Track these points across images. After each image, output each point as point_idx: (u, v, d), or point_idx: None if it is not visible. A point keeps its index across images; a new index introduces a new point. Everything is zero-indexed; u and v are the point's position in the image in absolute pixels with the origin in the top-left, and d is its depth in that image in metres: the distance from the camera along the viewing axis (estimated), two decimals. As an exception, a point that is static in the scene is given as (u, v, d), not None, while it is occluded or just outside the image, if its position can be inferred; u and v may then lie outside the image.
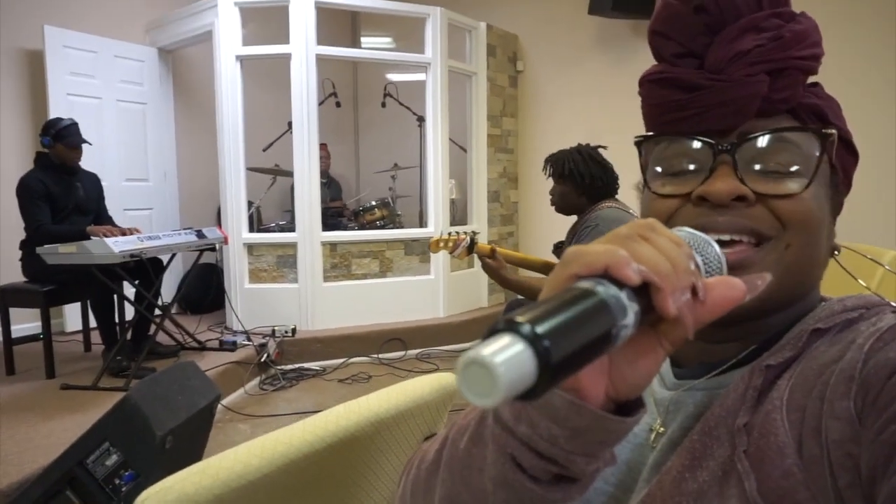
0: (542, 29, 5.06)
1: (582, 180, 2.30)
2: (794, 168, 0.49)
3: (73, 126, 3.36)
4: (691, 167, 0.51)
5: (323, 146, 5.42)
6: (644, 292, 0.33)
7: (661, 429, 0.51)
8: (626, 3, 4.10)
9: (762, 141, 0.49)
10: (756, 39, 0.48)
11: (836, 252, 0.55)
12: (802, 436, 0.41)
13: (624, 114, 4.53)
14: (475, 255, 2.41)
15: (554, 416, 0.37)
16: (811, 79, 0.52)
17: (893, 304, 0.50)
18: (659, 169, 0.53)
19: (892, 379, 0.38)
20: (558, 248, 2.55)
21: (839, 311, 0.49)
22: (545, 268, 2.62)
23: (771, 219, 0.48)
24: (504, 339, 0.26)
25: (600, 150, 2.41)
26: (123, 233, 3.37)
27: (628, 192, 2.55)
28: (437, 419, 0.83)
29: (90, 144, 3.46)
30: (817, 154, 0.49)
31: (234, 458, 0.55)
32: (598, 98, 4.69)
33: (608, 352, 0.31)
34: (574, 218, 2.42)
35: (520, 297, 2.59)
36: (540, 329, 0.26)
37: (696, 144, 0.50)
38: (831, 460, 0.39)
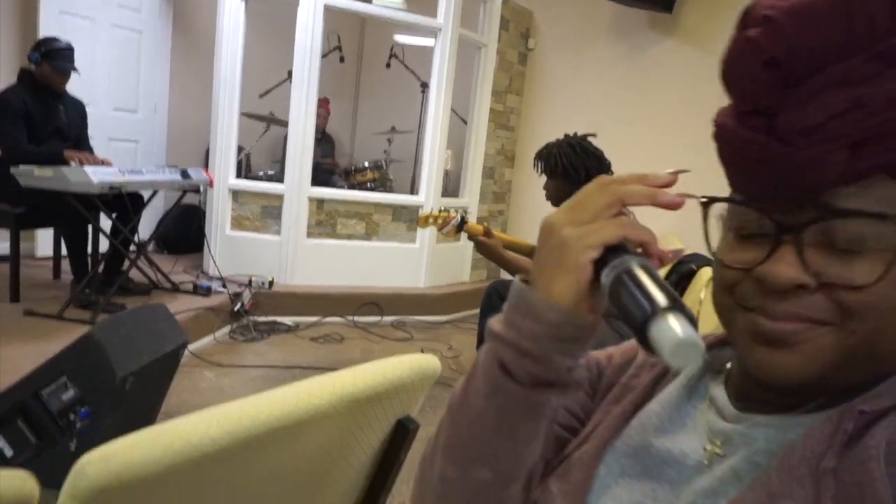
0: (558, 9, 4.93)
1: (577, 175, 2.23)
2: (870, 246, 0.41)
3: (67, 50, 3.20)
4: (758, 234, 0.46)
5: (325, 102, 5.30)
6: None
7: (719, 451, 0.48)
8: (646, -9, 4.00)
9: (835, 224, 0.42)
10: (837, 104, 0.40)
11: None
12: None
13: (629, 105, 4.48)
14: (462, 234, 2.35)
15: (535, 314, 0.45)
16: None
17: None
18: (729, 229, 0.49)
19: None
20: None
21: None
22: (533, 252, 2.59)
23: (832, 308, 0.43)
24: (679, 319, 0.37)
25: (590, 138, 2.32)
26: (101, 162, 3.26)
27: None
28: (413, 401, 0.79)
29: (79, 74, 3.30)
30: None
31: (191, 427, 0.50)
32: (606, 86, 4.61)
33: None
34: None
35: (505, 277, 2.56)
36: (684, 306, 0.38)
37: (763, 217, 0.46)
38: None
